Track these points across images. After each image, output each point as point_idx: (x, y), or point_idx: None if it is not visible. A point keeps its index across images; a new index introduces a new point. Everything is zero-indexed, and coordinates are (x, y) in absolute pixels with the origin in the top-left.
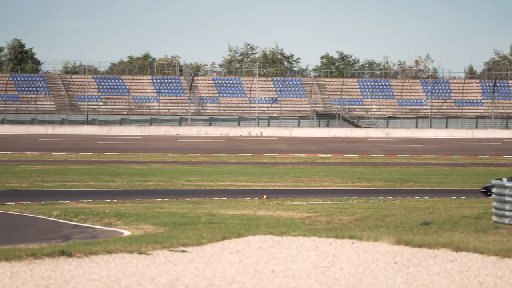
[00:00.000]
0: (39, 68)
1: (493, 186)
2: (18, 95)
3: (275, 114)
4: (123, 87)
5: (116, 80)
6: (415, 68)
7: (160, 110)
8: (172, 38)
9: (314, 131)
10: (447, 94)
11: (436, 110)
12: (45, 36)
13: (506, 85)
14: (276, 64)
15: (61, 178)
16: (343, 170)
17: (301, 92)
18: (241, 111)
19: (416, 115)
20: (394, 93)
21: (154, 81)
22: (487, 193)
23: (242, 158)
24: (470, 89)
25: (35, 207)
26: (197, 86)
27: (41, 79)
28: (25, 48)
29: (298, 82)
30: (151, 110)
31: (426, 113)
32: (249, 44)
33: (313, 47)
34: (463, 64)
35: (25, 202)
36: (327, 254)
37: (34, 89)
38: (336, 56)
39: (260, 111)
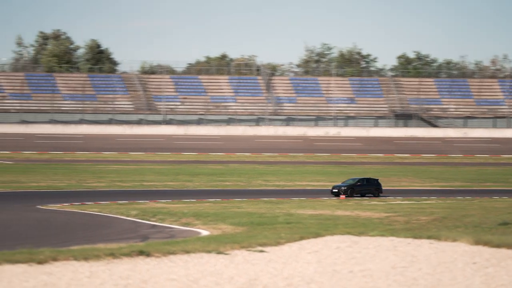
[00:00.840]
0: (116, 68)
1: (339, 186)
2: (96, 95)
3: (352, 114)
4: (200, 87)
5: (193, 80)
6: (492, 68)
7: (237, 110)
8: (249, 38)
9: (391, 131)
10: None
11: None
12: (122, 36)
13: None
14: (353, 64)
15: (139, 178)
16: (421, 170)
17: (378, 92)
18: (318, 111)
19: (494, 115)
20: (472, 93)
21: (231, 81)
22: (333, 192)
23: (320, 158)
24: None
25: (113, 207)
26: (274, 86)
27: (118, 79)
28: (102, 48)
29: (375, 82)
30: (228, 110)
31: (504, 113)
32: (326, 44)
33: (390, 47)
34: None
35: (103, 202)
36: (405, 254)
37: (111, 89)
38: (413, 56)
39: (337, 111)
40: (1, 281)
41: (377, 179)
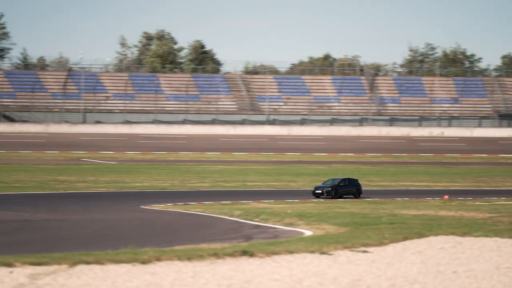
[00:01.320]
0: (220, 68)
1: (323, 187)
2: (199, 95)
3: (455, 114)
4: (304, 87)
5: (297, 80)
6: None
7: (341, 110)
8: (352, 38)
9: (495, 131)
10: None
11: None
12: (225, 37)
13: None
14: (456, 64)
15: (242, 178)
16: None
17: (482, 92)
18: (422, 111)
19: None
20: None
21: (335, 81)
22: (315, 193)
23: (423, 158)
24: None
25: (216, 207)
26: (377, 86)
27: (222, 79)
28: (206, 49)
29: (479, 82)
30: (332, 110)
31: None
32: (429, 44)
33: (494, 46)
34: None
35: (206, 202)
36: (509, 255)
37: (215, 89)
38: None
39: (441, 111)
40: (105, 280)
41: (357, 179)
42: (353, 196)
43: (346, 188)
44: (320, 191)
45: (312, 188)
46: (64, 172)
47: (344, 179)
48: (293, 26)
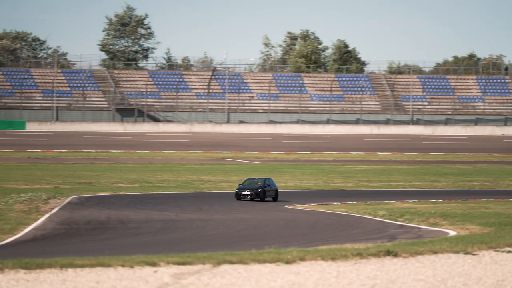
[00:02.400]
0: (364, 68)
1: (252, 188)
2: (343, 95)
3: None
4: (448, 87)
5: (441, 80)
6: None
7: (485, 110)
8: (497, 38)
9: None
10: None
11: None
12: (369, 36)
13: None
14: None
15: (386, 178)
16: None
17: None
18: None
19: None
20: None
21: (479, 80)
22: (242, 195)
23: None
24: None
25: (360, 207)
26: None
27: (365, 79)
28: (350, 48)
29: None
30: (476, 110)
31: None
32: None
33: None
34: None
35: (350, 202)
36: None
37: (359, 89)
38: None
39: None
40: (249, 280)
41: (273, 180)
42: (272, 199)
43: (270, 189)
44: (249, 193)
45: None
46: (208, 172)
47: (263, 179)
48: (437, 25)
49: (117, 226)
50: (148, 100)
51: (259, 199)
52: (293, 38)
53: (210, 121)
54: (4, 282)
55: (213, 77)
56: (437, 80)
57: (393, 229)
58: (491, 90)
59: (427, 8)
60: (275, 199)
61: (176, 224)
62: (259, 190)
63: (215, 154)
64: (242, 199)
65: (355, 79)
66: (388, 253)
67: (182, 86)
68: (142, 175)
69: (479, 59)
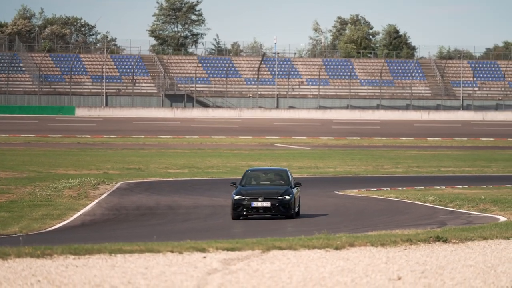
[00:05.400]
0: (414, 53)
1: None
2: (393, 80)
3: None
4: (498, 72)
5: (491, 65)
6: None
7: None
8: None
9: None
10: None
11: None
12: (420, 21)
13: None
14: None
15: (436, 163)
16: None
17: None
18: None
19: None
20: None
21: None
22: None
23: None
24: None
25: (410, 193)
26: None
27: (415, 64)
28: (400, 34)
29: None
30: None
31: None
32: None
33: None
34: None
35: (400, 188)
36: None
37: (409, 74)
38: None
39: None
40: (298, 266)
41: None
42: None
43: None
44: (267, 205)
45: None
46: (257, 158)
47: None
48: (488, 10)
49: (166, 212)
50: (198, 85)
51: (284, 216)
52: (343, 23)
53: (260, 107)
54: (53, 268)
55: (262, 62)
56: (488, 65)
57: (443, 215)
58: None
59: None
60: (288, 211)
61: (225, 209)
62: (287, 197)
63: (264, 139)
64: (249, 217)
65: (405, 64)
66: (438, 239)
67: (231, 72)
68: (191, 161)
69: None
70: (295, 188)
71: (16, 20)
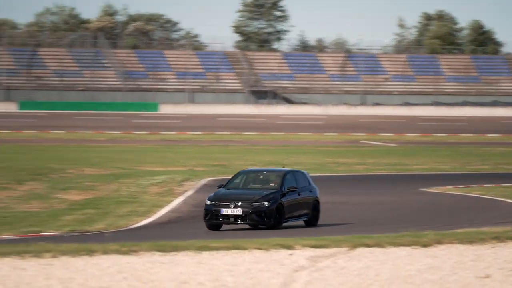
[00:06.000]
0: (500, 49)
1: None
2: (479, 77)
3: None
4: None
5: None
6: None
7: None
8: None
9: None
10: None
11: None
12: (506, 17)
13: None
14: None
15: None
16: None
17: None
18: None
19: None
20: None
21: None
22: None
23: None
24: None
25: (498, 190)
26: None
27: (502, 60)
28: (485, 29)
29: None
30: None
31: None
32: None
33: None
34: None
35: (488, 185)
36: None
37: (495, 70)
38: None
39: None
40: (385, 263)
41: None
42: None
43: (296, 198)
44: (238, 212)
45: None
46: (343, 154)
47: (284, 174)
48: None
49: None
50: (282, 82)
51: (265, 226)
52: (428, 19)
53: (345, 103)
54: (139, 265)
55: (347, 58)
56: None
57: None
58: None
59: None
60: (310, 220)
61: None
62: (267, 203)
63: (349, 136)
64: (220, 225)
65: (491, 60)
66: None
67: (316, 68)
68: (277, 157)
69: None
70: (295, 193)
71: (101, 17)
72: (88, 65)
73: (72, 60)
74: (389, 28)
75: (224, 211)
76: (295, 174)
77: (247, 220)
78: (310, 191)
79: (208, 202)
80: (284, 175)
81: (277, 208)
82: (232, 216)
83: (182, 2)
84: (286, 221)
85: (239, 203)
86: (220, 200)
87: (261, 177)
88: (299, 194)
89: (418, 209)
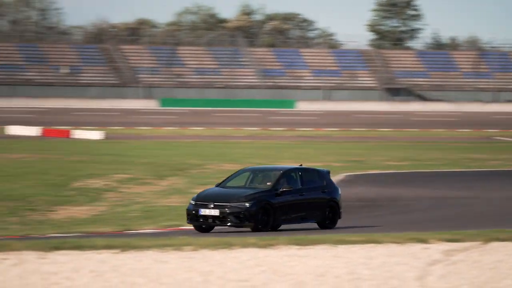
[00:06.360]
0: None
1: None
2: None
3: None
4: None
5: None
6: None
7: None
8: None
9: None
10: None
11: None
12: None
13: None
14: None
15: None
16: None
17: None
18: None
19: None
20: None
21: None
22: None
23: None
24: None
25: None
26: None
27: None
28: None
29: None
30: None
31: None
32: None
33: None
34: None
35: None
36: None
37: None
38: None
39: None
40: None
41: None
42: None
43: (297, 198)
44: (214, 212)
45: None
46: (477, 150)
47: (284, 172)
48: None
49: (387, 204)
50: (416, 79)
51: (249, 229)
52: None
53: (478, 100)
54: (277, 258)
55: (480, 56)
56: None
57: None
58: None
59: None
60: (323, 222)
61: (447, 201)
62: (248, 204)
63: (483, 132)
64: (207, 226)
65: None
66: None
67: (450, 66)
68: (412, 153)
69: None
70: (295, 193)
71: (238, 17)
72: (227, 63)
73: (211, 58)
74: None
75: (202, 211)
76: (301, 173)
77: (227, 222)
78: (323, 191)
79: (192, 202)
80: (281, 174)
81: (264, 209)
82: (210, 217)
83: (318, 1)
84: (284, 223)
85: (217, 203)
86: (202, 200)
87: (260, 175)
88: (301, 195)
89: None
